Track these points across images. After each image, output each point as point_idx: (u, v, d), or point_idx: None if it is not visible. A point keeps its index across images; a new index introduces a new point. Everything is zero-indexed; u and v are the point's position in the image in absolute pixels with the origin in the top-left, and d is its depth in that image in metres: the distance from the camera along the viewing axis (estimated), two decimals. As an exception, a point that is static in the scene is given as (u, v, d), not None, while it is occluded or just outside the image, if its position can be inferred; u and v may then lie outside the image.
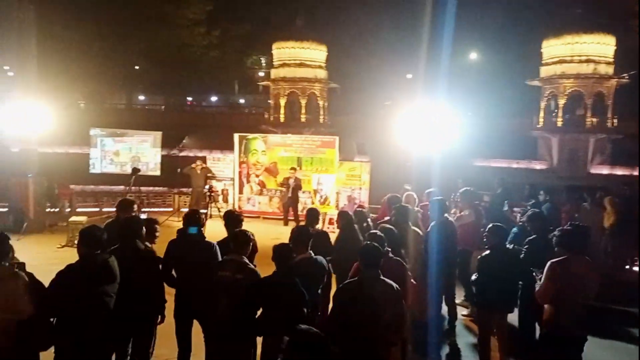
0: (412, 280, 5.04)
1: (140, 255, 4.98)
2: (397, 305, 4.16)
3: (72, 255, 4.71)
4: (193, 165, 13.94)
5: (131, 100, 39.52)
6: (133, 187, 11.03)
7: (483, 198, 11.91)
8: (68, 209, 13.86)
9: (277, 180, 13.93)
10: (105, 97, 37.15)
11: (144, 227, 5.24)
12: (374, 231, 5.20)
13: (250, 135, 14.71)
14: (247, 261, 4.82)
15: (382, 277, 4.17)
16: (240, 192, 14.53)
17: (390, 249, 5.04)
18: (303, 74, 26.43)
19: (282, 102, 26.81)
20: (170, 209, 14.32)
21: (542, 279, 4.97)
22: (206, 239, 5.45)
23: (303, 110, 26.88)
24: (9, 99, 11.54)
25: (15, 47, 11.16)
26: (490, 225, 5.83)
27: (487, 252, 5.64)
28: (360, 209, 6.94)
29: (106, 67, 30.27)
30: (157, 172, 14.38)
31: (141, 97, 45.70)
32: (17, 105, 11.43)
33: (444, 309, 7.00)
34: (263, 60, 39.86)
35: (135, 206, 6.23)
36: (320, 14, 30.21)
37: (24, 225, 11.34)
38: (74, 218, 10.93)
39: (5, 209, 12.22)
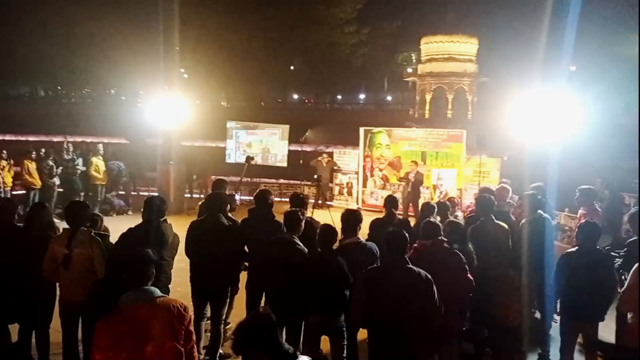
0: (468, 274, 4.64)
1: (221, 227, 5.38)
2: (426, 294, 3.88)
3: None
4: (319, 158, 14.46)
5: (286, 98, 41.92)
6: (245, 177, 11.74)
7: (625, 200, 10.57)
8: (210, 195, 15.26)
9: (399, 175, 13.66)
10: (263, 95, 39.89)
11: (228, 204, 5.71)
12: (429, 219, 4.91)
13: (375, 129, 14.64)
14: (296, 240, 4.90)
15: (409, 265, 3.93)
16: (364, 185, 14.57)
17: (445, 240, 4.72)
18: (451, 69, 25.45)
19: (428, 97, 26.16)
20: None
21: (626, 283, 4.29)
22: (275, 218, 5.68)
23: (449, 106, 25.96)
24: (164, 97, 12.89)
25: (162, 46, 12.50)
26: (583, 221, 5.18)
27: (573, 249, 5.00)
28: (444, 201, 6.57)
29: (268, 67, 32.41)
30: (284, 164, 15.09)
31: (295, 96, 48.23)
32: (165, 101, 12.81)
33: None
34: (413, 57, 39.32)
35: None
36: (473, 6, 28.81)
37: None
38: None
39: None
